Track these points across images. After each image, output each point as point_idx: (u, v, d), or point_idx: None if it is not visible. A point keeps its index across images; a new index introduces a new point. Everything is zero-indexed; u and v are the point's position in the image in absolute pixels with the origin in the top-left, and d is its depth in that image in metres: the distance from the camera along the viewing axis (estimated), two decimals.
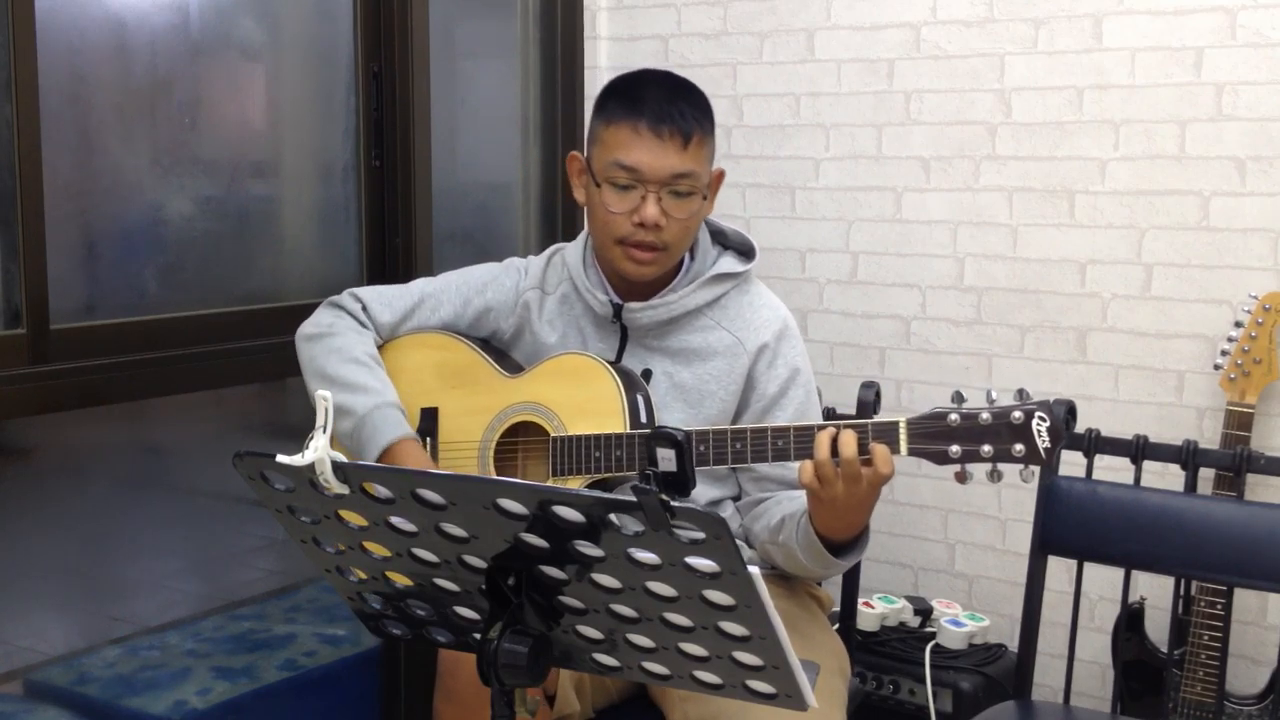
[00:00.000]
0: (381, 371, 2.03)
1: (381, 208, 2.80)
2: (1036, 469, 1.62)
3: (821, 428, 1.68)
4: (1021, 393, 1.64)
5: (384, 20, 2.75)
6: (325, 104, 2.75)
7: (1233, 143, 2.60)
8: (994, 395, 1.64)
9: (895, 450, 1.65)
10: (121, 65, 2.37)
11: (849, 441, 1.64)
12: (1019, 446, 1.61)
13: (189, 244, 2.50)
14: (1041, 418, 1.61)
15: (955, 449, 1.63)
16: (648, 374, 1.98)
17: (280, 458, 1.28)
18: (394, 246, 2.80)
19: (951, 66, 2.87)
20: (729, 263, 2.02)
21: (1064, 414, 2.17)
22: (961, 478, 1.65)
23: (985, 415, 1.62)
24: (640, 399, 1.89)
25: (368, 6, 2.74)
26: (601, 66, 3.23)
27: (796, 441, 1.71)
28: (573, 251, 2.08)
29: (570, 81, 3.21)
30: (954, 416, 1.63)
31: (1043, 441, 1.60)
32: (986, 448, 1.62)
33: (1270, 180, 2.57)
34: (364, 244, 2.79)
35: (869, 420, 1.67)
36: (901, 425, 1.65)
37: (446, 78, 2.94)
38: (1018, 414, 1.61)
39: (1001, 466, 1.63)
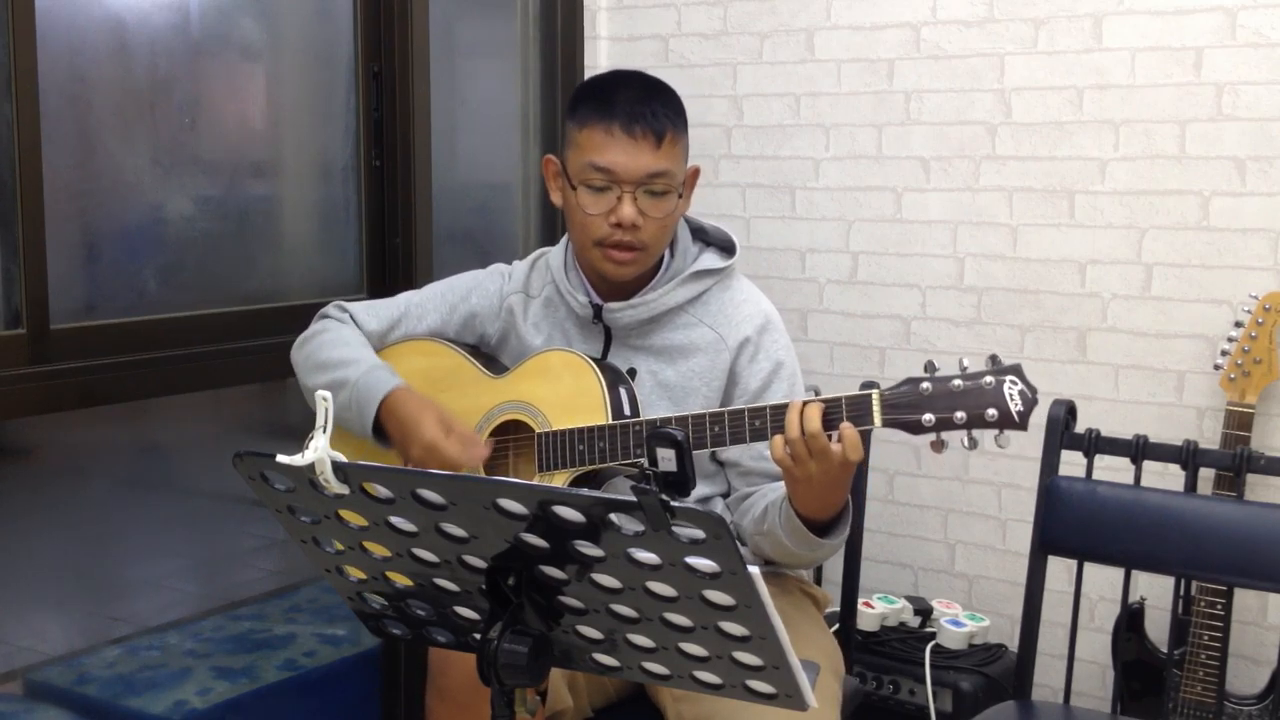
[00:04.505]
0: (368, 349, 2.06)
1: (381, 208, 2.80)
2: (1011, 434, 1.62)
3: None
4: (993, 358, 1.66)
5: (384, 20, 2.75)
6: (325, 104, 2.75)
7: (1233, 143, 2.60)
8: (966, 363, 1.65)
9: (870, 422, 1.66)
10: (121, 65, 2.36)
11: (813, 416, 1.66)
12: (992, 411, 1.62)
13: (189, 244, 2.50)
14: (1013, 381, 1.62)
15: (929, 417, 1.64)
16: (633, 373, 1.99)
17: (280, 458, 1.29)
18: (394, 246, 2.80)
19: (951, 66, 2.87)
20: (710, 259, 2.02)
21: (1064, 413, 2.19)
22: (938, 447, 1.66)
23: (957, 382, 1.64)
24: (624, 393, 1.90)
25: (368, 6, 2.74)
26: (601, 66, 3.23)
27: (773, 420, 1.72)
28: (555, 255, 2.09)
29: (570, 81, 3.20)
30: (926, 385, 1.65)
31: (1015, 405, 1.61)
32: (960, 414, 1.63)
33: (1270, 180, 2.57)
34: (364, 244, 2.80)
35: (843, 394, 1.68)
36: (875, 396, 1.67)
37: (446, 78, 2.94)
38: (989, 379, 1.62)
39: (976, 433, 1.64)
